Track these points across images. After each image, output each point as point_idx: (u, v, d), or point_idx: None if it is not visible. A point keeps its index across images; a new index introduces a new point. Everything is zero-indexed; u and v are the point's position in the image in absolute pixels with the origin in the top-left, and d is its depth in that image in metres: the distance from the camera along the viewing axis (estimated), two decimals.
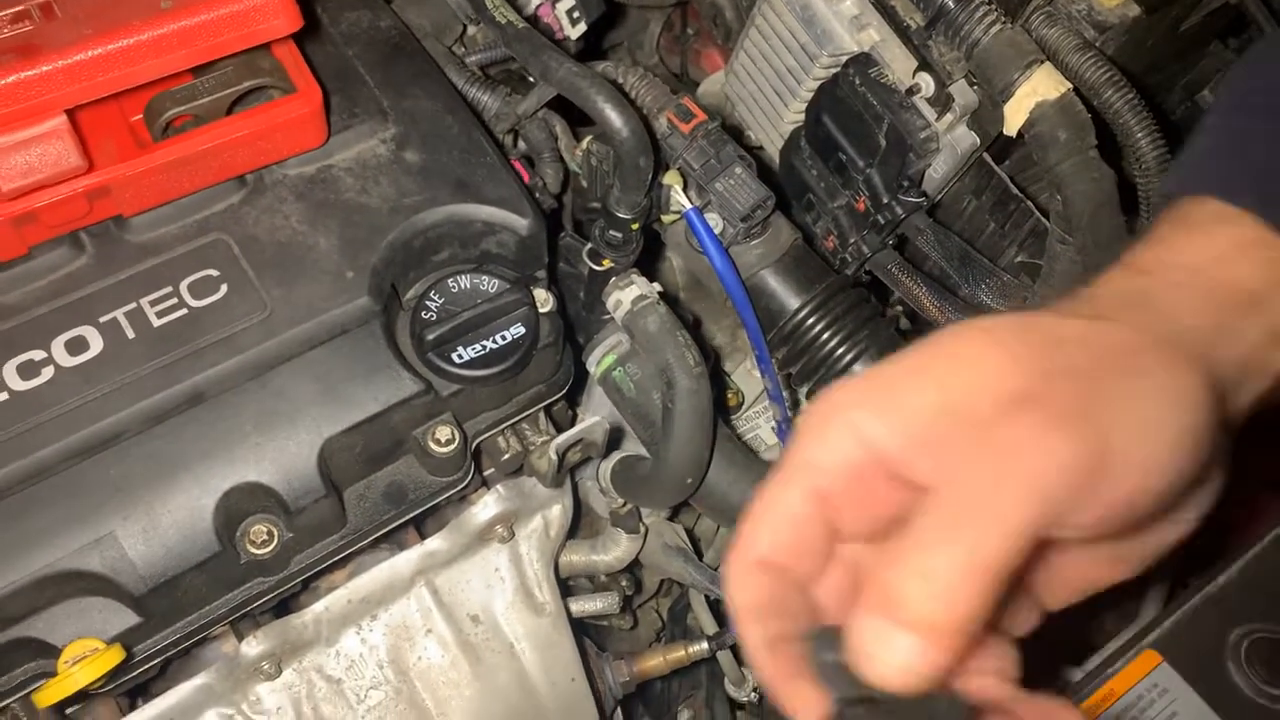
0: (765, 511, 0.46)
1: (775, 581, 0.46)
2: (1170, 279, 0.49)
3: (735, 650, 1.03)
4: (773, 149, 1.02)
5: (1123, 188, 0.82)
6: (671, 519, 1.03)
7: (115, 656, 0.64)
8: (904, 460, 0.42)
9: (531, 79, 0.96)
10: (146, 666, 0.72)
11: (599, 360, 0.89)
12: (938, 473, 0.41)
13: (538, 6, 0.92)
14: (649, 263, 0.89)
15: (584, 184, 0.85)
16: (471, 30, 0.94)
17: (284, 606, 0.83)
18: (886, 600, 0.39)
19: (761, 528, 0.46)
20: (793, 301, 0.83)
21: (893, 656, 0.39)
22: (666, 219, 0.82)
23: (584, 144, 0.84)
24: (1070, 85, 0.82)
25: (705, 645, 1.01)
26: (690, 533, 1.05)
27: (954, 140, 0.91)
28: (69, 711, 0.75)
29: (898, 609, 0.39)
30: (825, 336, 0.82)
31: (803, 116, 0.99)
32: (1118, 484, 0.41)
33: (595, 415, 0.95)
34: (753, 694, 1.05)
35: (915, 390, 0.43)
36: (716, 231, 0.82)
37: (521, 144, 0.90)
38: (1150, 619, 0.67)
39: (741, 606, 0.46)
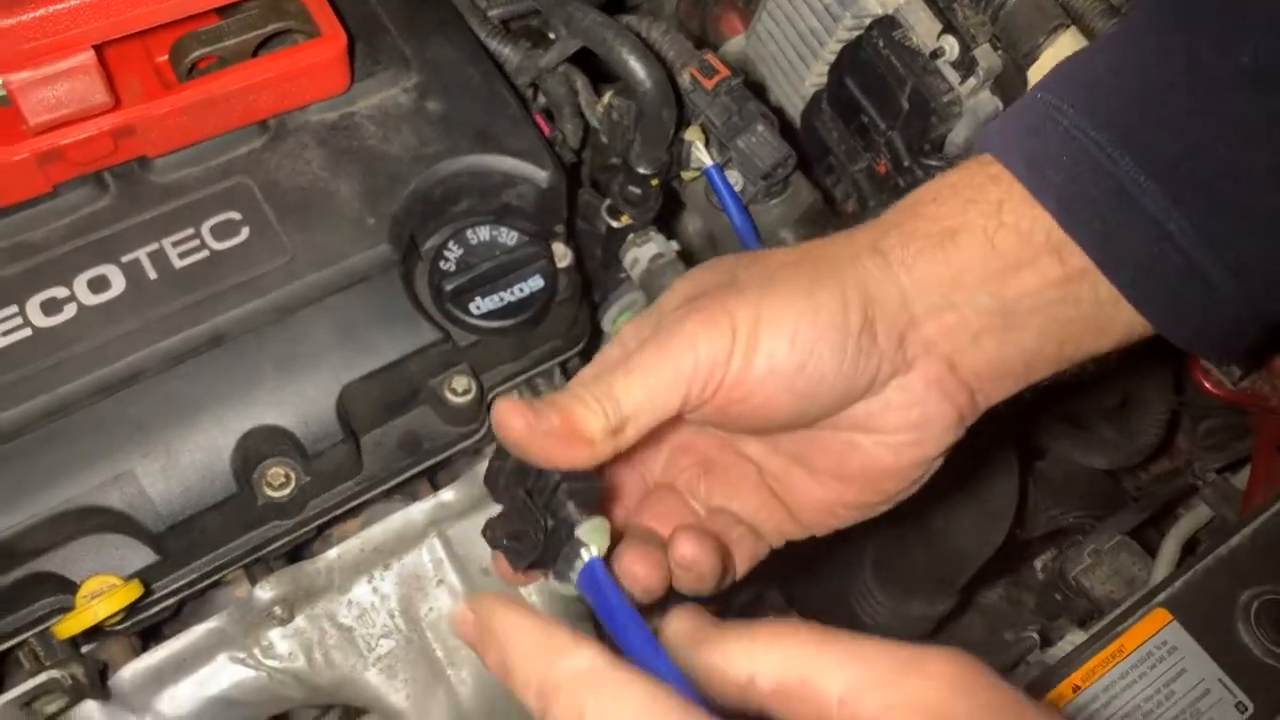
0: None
1: None
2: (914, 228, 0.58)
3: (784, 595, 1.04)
4: (793, 111, 1.02)
5: None
6: None
7: (133, 591, 0.65)
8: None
9: (553, 36, 0.96)
10: (162, 606, 0.73)
11: (614, 319, 0.90)
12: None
13: None
14: (667, 222, 0.89)
15: (604, 139, 0.84)
16: None
17: (297, 555, 0.84)
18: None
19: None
20: None
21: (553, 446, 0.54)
22: (687, 175, 0.82)
23: (605, 98, 0.84)
24: None
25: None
26: None
27: (976, 105, 0.90)
28: (84, 650, 0.75)
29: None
30: None
31: (824, 79, 0.99)
32: (745, 371, 0.53)
33: None
34: None
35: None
36: (736, 189, 0.82)
37: (542, 99, 0.90)
38: (1161, 579, 0.67)
39: None
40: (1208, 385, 0.86)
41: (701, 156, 0.79)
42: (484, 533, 0.59)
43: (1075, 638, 0.73)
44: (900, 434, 0.57)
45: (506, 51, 0.87)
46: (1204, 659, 0.64)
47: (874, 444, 0.57)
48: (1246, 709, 0.63)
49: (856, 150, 0.93)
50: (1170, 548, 0.81)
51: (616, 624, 0.50)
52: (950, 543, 0.86)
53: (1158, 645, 0.64)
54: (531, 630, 0.44)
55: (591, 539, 0.53)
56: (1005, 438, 0.83)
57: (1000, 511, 0.84)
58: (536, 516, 0.55)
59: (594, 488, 0.55)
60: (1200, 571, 0.67)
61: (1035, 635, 0.85)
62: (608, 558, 0.54)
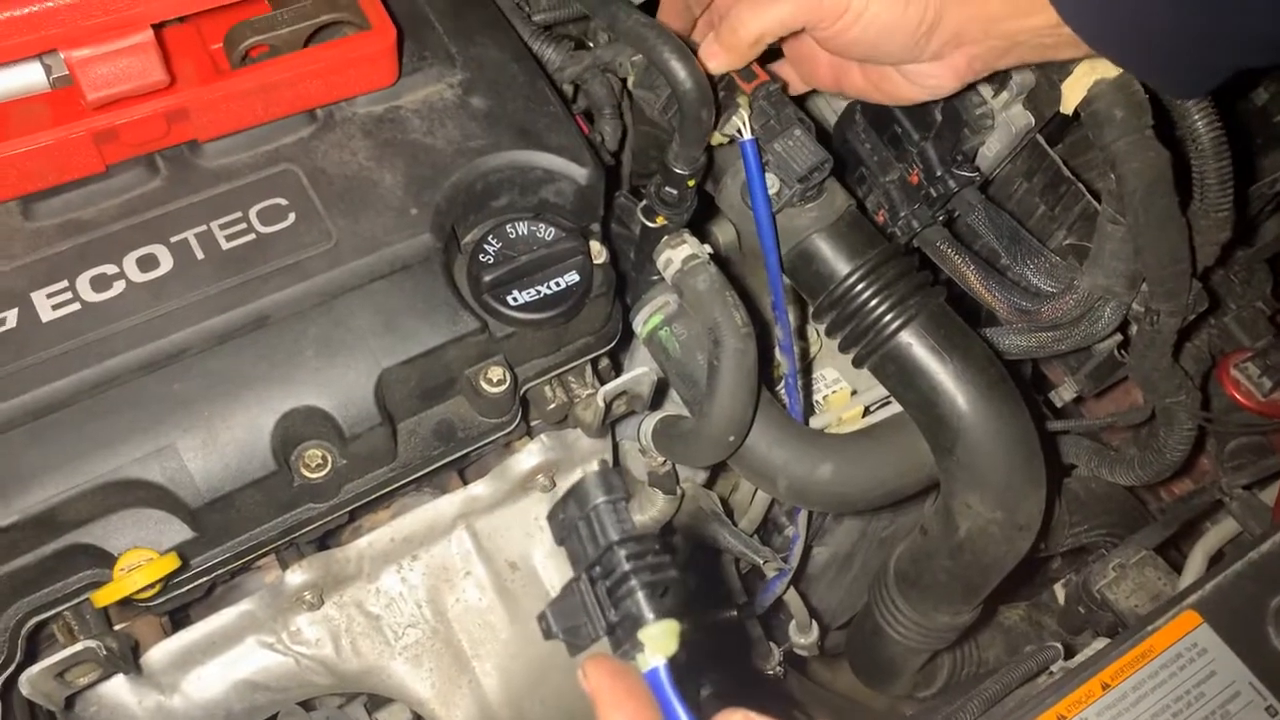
0: None
1: None
2: None
3: (805, 599, 1.04)
4: (825, 124, 1.03)
5: (1177, 169, 0.83)
6: (707, 485, 1.04)
7: (170, 564, 0.66)
8: None
9: (591, 44, 0.97)
10: (195, 584, 0.74)
11: (646, 319, 0.91)
12: None
13: None
14: (699, 226, 0.90)
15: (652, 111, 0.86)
16: None
17: (325, 545, 0.85)
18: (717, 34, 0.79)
19: None
20: (843, 266, 0.84)
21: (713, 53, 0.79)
22: (715, 138, 0.82)
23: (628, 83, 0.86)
24: None
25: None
26: (724, 501, 1.05)
27: (1009, 119, 0.92)
28: (116, 628, 0.76)
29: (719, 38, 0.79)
30: (874, 303, 0.82)
31: None
32: (846, 28, 0.76)
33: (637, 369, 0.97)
34: (816, 640, 1.07)
35: None
36: (772, 192, 0.82)
37: (582, 100, 0.91)
38: (1191, 582, 0.67)
39: None
40: (1238, 396, 0.86)
41: (741, 123, 0.79)
42: (539, 620, 0.54)
43: (1100, 645, 0.73)
44: (922, 83, 0.80)
45: (549, 52, 0.88)
46: (1234, 662, 0.64)
47: (903, 79, 0.81)
48: (1277, 712, 0.63)
49: (889, 161, 0.94)
50: (1197, 559, 0.81)
51: None
52: (976, 553, 0.86)
53: (1187, 647, 0.64)
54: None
55: (658, 645, 0.47)
56: (1034, 450, 0.83)
57: (1027, 523, 0.84)
58: (597, 609, 0.49)
59: (669, 578, 0.50)
60: (1231, 576, 0.66)
61: (1059, 646, 0.85)
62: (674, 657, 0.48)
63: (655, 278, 0.89)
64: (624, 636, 0.48)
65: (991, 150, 0.94)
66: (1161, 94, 0.83)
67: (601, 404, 0.81)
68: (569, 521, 0.52)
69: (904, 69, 0.81)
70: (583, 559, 0.51)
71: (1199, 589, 0.66)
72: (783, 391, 0.94)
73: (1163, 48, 0.76)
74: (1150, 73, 0.80)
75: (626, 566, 0.49)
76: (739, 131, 0.80)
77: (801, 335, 1.06)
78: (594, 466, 0.91)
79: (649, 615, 0.47)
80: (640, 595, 0.48)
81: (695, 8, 0.85)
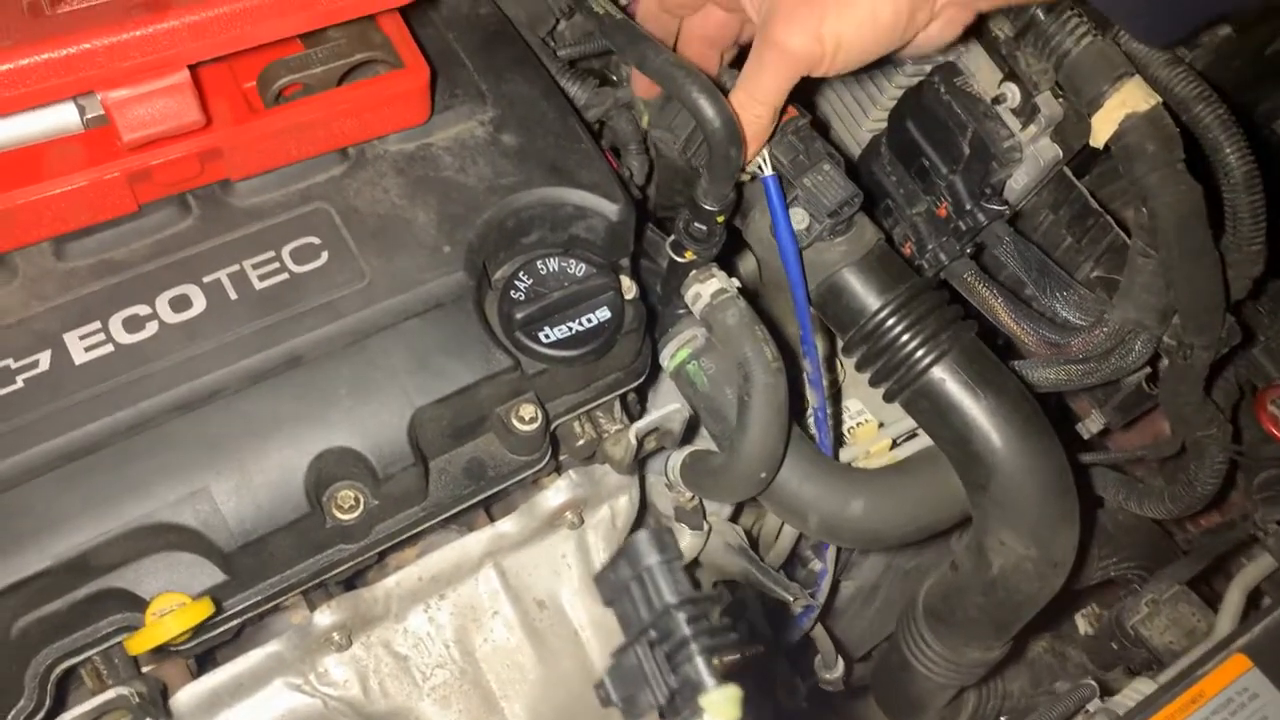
0: None
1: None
2: None
3: (830, 633, 1.03)
4: (849, 154, 1.03)
5: (1209, 202, 0.82)
6: (733, 520, 1.03)
7: (204, 610, 0.65)
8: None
9: (615, 78, 0.97)
10: (223, 629, 0.73)
11: (673, 353, 0.90)
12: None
13: (628, 3, 0.94)
14: (727, 260, 0.89)
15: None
16: (561, 25, 0.95)
17: (352, 584, 0.84)
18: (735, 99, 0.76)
19: None
20: (874, 301, 0.83)
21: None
22: None
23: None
24: (1159, 98, 0.83)
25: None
26: (749, 534, 1.05)
27: (1037, 151, 0.91)
28: (144, 669, 0.75)
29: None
30: (906, 338, 0.82)
31: (881, 124, 1.00)
32: (835, 61, 0.73)
33: (668, 405, 0.96)
34: (841, 675, 1.06)
35: None
36: (802, 227, 0.82)
37: (607, 134, 0.91)
38: (1234, 628, 0.66)
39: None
40: (1273, 430, 0.86)
41: (762, 161, 0.80)
42: (596, 689, 0.52)
43: (1142, 686, 0.72)
44: (927, 46, 0.77)
45: (575, 89, 0.88)
46: None
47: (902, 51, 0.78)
48: None
49: (916, 194, 0.94)
50: (1235, 597, 0.80)
51: None
52: (1010, 590, 0.85)
53: (1238, 691, 0.63)
54: None
55: (720, 712, 0.45)
56: (1068, 487, 0.82)
57: (1062, 560, 0.83)
58: (656, 675, 0.48)
59: (729, 641, 0.48)
60: (1278, 619, 0.66)
61: (1094, 684, 0.84)
62: None
63: (681, 311, 0.89)
64: (683, 704, 0.46)
65: (1019, 183, 0.93)
66: (1141, 42, 0.84)
67: (633, 441, 0.80)
68: (619, 583, 0.51)
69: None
70: (636, 622, 0.49)
71: (1247, 632, 0.65)
72: (811, 424, 0.94)
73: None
74: (1129, 20, 0.80)
75: (686, 631, 0.47)
76: (760, 168, 0.80)
77: (830, 367, 1.05)
78: (622, 500, 0.91)
79: (710, 681, 0.46)
80: (699, 660, 0.46)
81: (674, 13, 0.85)
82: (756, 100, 0.76)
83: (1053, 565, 0.84)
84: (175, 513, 0.65)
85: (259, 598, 0.71)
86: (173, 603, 0.66)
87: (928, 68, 0.94)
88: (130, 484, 0.65)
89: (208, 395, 0.67)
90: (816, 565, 1.12)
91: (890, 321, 0.83)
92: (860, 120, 1.03)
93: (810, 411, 0.92)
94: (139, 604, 0.67)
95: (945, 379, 0.82)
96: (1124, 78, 0.83)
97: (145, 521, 0.65)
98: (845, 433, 1.00)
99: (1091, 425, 1.05)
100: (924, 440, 0.96)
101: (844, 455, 0.97)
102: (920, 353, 0.82)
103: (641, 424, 0.79)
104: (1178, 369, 0.89)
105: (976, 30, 0.91)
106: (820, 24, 0.71)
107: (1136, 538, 1.08)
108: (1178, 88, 0.84)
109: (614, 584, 0.51)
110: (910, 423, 0.95)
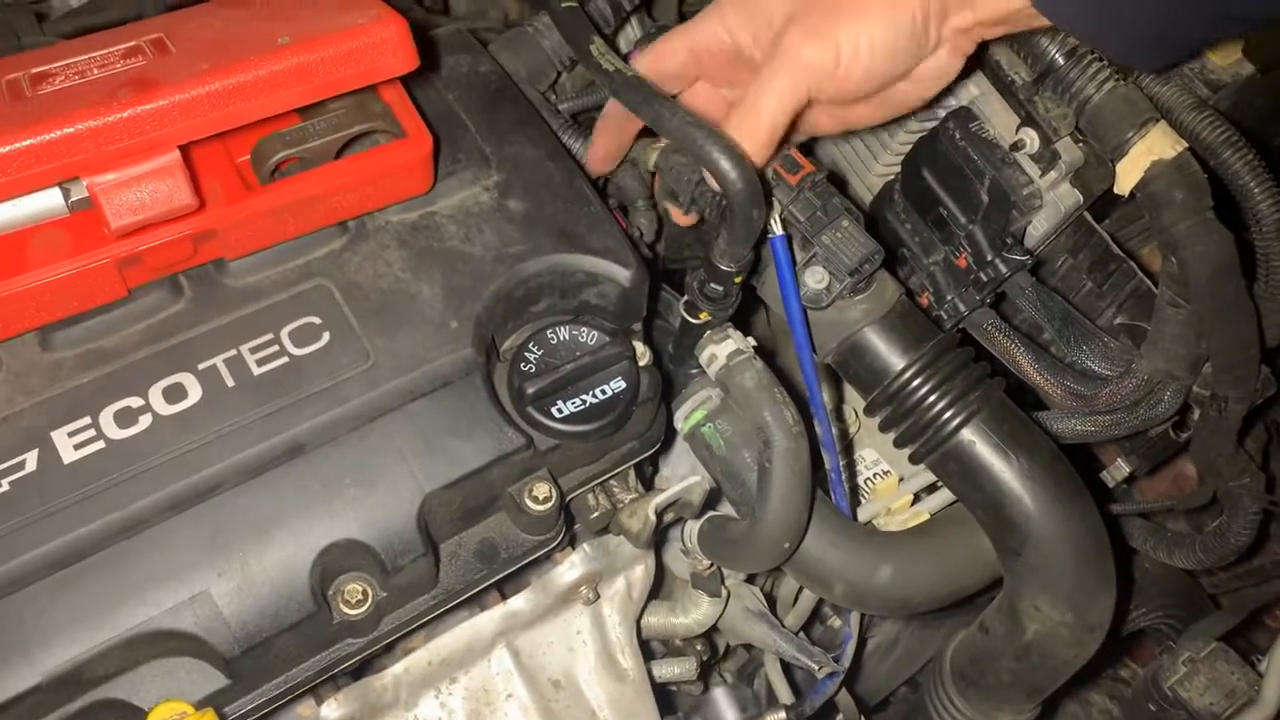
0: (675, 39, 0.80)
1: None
2: None
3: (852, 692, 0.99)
4: (861, 203, 1.00)
5: (1240, 251, 0.80)
6: (750, 581, 1.00)
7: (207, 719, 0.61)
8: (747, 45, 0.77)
9: None
10: None
11: (687, 415, 0.87)
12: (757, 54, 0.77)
13: (629, 53, 0.91)
14: (740, 319, 0.86)
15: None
16: (563, 78, 0.92)
17: (361, 668, 0.80)
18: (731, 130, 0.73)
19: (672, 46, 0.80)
20: (898, 361, 0.80)
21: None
22: None
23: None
24: (1185, 144, 0.80)
25: (783, 715, 0.97)
26: (768, 596, 1.01)
27: (1057, 198, 0.89)
28: None
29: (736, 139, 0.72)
30: (933, 399, 0.79)
31: (892, 169, 0.97)
32: (849, 74, 0.72)
33: (680, 472, 0.93)
34: None
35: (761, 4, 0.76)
36: (821, 286, 0.79)
37: (613, 191, 0.88)
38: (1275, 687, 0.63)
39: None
40: None
41: (773, 225, 0.76)
42: None
43: None
44: (928, 77, 0.76)
45: (579, 146, 0.85)
46: None
47: (908, 84, 0.76)
48: None
49: (932, 243, 0.91)
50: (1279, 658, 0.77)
51: None
52: (1044, 655, 0.82)
53: None
54: None
55: None
56: (1104, 549, 0.79)
57: (1099, 624, 0.80)
58: None
59: None
60: None
61: None
62: None
63: (695, 370, 0.85)
64: None
65: (1039, 229, 0.91)
66: (1128, 65, 0.82)
67: (652, 516, 0.77)
68: None
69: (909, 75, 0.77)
70: None
71: None
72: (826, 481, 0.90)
73: (1133, 26, 0.72)
74: (1118, 49, 0.77)
75: None
76: (769, 227, 0.77)
77: (839, 417, 1.02)
78: (638, 570, 0.87)
79: None
80: None
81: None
82: (756, 111, 0.73)
83: (1089, 630, 0.81)
84: (174, 619, 0.61)
85: (263, 699, 0.67)
86: (174, 712, 0.62)
87: (941, 113, 0.91)
88: (125, 590, 0.61)
89: (206, 491, 0.63)
90: (836, 622, 1.08)
91: (916, 382, 0.80)
92: (870, 165, 1.00)
93: (825, 473, 0.88)
94: (137, 714, 0.63)
95: (975, 441, 0.78)
96: (1149, 123, 0.80)
97: (142, 630, 0.61)
98: (862, 484, 0.97)
99: (1116, 473, 1.02)
100: (946, 494, 0.93)
101: (864, 513, 0.94)
102: (948, 414, 0.79)
103: (661, 499, 0.76)
104: (1210, 421, 0.86)
105: (992, 77, 0.88)
106: (838, 30, 0.71)
107: (1165, 586, 1.05)
108: (1204, 133, 0.82)
109: None
110: (929, 475, 0.92)
